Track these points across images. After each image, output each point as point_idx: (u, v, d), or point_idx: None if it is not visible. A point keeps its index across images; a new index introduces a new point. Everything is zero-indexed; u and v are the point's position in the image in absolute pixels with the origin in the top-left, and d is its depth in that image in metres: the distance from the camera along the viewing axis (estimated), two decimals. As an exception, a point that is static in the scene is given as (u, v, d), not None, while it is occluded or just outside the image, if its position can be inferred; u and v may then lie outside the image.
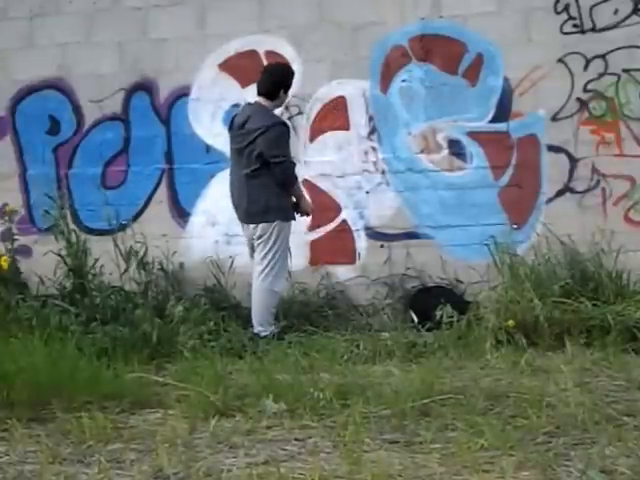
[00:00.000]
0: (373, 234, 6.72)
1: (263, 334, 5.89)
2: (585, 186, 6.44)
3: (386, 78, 6.66)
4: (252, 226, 5.92)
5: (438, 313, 5.87)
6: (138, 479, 3.44)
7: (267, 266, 5.89)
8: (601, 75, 6.38)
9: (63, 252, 6.61)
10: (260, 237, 5.88)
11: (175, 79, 6.99)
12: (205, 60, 6.94)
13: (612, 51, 6.33)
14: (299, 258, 6.49)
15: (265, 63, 6.65)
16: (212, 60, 6.94)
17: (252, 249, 6.04)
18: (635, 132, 6.36)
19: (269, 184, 5.82)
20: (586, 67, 6.39)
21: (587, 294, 5.80)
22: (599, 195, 6.42)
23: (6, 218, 7.02)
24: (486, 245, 6.16)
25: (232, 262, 6.79)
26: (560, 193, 6.47)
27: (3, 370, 4.48)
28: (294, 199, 5.96)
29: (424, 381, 4.42)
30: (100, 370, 4.77)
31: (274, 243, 5.87)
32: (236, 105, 6.90)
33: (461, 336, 5.58)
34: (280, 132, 5.84)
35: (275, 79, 5.95)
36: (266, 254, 5.88)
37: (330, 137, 6.78)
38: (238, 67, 6.90)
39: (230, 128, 6.10)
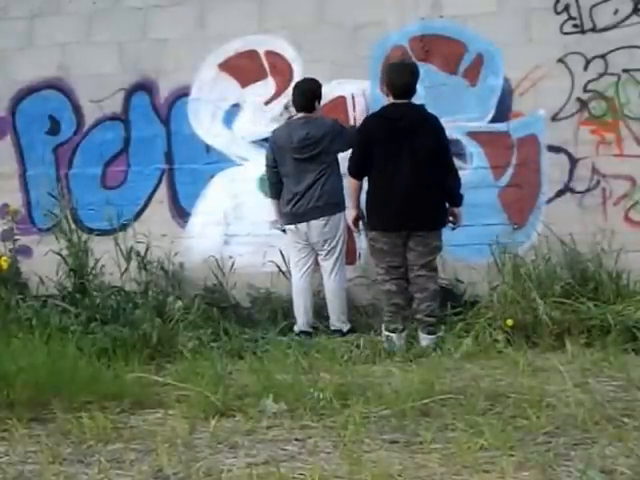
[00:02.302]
0: (373, 234, 6.71)
1: (345, 329, 6.23)
2: (585, 186, 6.44)
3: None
4: (322, 221, 6.20)
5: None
6: (138, 479, 3.44)
7: (340, 260, 6.32)
8: (601, 75, 6.38)
9: (64, 252, 6.63)
10: (333, 230, 6.23)
11: (175, 79, 6.99)
12: (205, 60, 6.94)
13: (612, 51, 6.33)
14: (299, 258, 6.46)
15: (265, 63, 6.68)
16: (212, 60, 6.93)
17: (304, 251, 6.31)
18: (635, 132, 6.36)
19: (337, 179, 6.28)
20: (586, 67, 6.39)
21: (587, 294, 5.81)
22: (599, 195, 6.42)
23: (8, 218, 7.04)
24: (487, 245, 6.17)
25: (232, 262, 6.79)
26: (560, 193, 6.47)
27: (3, 370, 4.48)
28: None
29: (424, 381, 4.42)
30: (100, 370, 4.77)
31: (341, 235, 6.29)
32: (236, 105, 6.92)
33: (461, 336, 5.59)
34: (341, 126, 6.34)
35: (309, 95, 6.32)
36: (339, 247, 6.28)
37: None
38: (238, 67, 6.91)
39: (273, 144, 6.35)
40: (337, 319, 6.26)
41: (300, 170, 6.24)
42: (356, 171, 5.87)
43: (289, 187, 6.31)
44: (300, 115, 6.31)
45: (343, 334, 6.15)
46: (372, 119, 5.91)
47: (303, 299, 6.32)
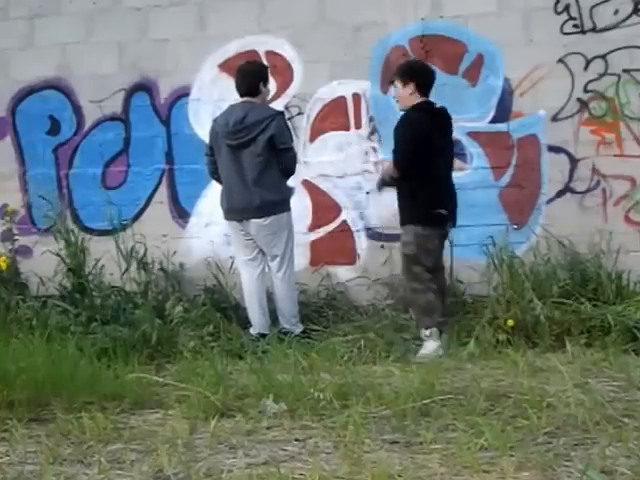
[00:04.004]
0: (373, 234, 6.72)
1: (298, 331, 5.95)
2: (585, 186, 6.44)
3: (386, 78, 6.65)
4: (262, 221, 5.89)
5: None
6: (138, 479, 3.44)
7: (287, 259, 6.01)
8: (601, 75, 6.37)
9: (63, 252, 6.63)
10: (275, 230, 5.93)
11: (175, 79, 6.99)
12: (205, 60, 6.94)
13: (612, 51, 6.33)
14: (299, 258, 6.46)
15: (266, 63, 6.66)
16: (212, 60, 6.94)
17: (251, 248, 6.04)
18: (635, 132, 6.36)
19: (279, 175, 5.97)
20: (586, 67, 6.39)
21: (587, 294, 5.81)
22: (599, 195, 6.42)
23: (7, 218, 7.04)
24: (487, 245, 6.15)
25: (232, 262, 6.78)
26: (560, 193, 6.47)
27: (3, 370, 4.49)
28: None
29: (424, 381, 4.41)
30: (100, 370, 4.77)
31: (289, 234, 6.01)
32: (236, 105, 6.92)
33: (462, 337, 5.59)
34: (285, 121, 6.05)
35: (254, 76, 6.03)
36: (285, 247, 5.99)
37: (330, 137, 6.78)
38: (238, 67, 6.90)
39: (212, 130, 6.07)
40: (287, 322, 6.01)
41: (234, 160, 5.89)
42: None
43: (224, 179, 6.00)
44: (243, 99, 5.99)
45: (296, 336, 5.83)
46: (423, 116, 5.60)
47: (259, 300, 6.03)
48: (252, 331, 6.06)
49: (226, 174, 6.00)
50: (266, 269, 6.11)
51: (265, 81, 6.07)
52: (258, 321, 6.05)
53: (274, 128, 5.85)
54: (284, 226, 5.99)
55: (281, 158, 5.94)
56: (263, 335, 5.94)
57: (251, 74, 6.04)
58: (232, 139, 5.90)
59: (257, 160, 5.87)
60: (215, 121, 6.09)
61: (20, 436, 3.97)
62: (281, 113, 6.08)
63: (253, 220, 5.93)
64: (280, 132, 5.89)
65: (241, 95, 6.02)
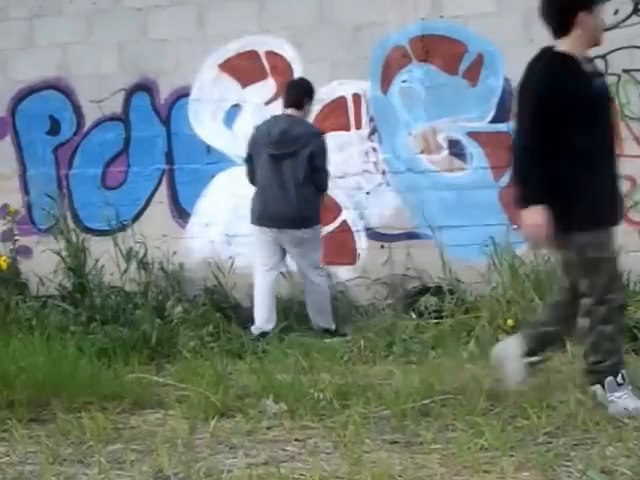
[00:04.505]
0: (373, 234, 6.72)
1: (334, 328, 6.12)
2: (585, 186, 6.42)
3: (386, 78, 6.66)
4: (295, 231, 6.03)
5: None
6: (138, 479, 3.44)
7: (320, 267, 6.20)
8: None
9: (63, 252, 6.64)
10: (308, 239, 6.08)
11: (175, 79, 7.00)
12: (205, 60, 6.94)
13: (612, 51, 6.31)
14: (299, 258, 6.46)
15: (266, 63, 6.67)
16: (212, 60, 6.94)
17: (272, 254, 6.13)
18: (635, 132, 6.36)
19: (315, 190, 6.10)
20: (586, 67, 6.38)
21: (587, 294, 5.79)
22: (599, 195, 6.40)
23: (8, 219, 7.05)
24: (488, 245, 6.15)
25: (232, 263, 6.79)
26: (560, 193, 6.46)
27: (3, 370, 4.49)
28: None
29: (424, 381, 4.41)
30: (100, 370, 4.78)
31: (320, 244, 6.22)
32: (236, 105, 6.92)
33: (462, 337, 5.58)
34: (324, 141, 6.16)
35: (300, 90, 6.21)
36: (315, 255, 6.17)
37: (330, 137, 6.76)
38: (238, 67, 6.91)
39: (252, 137, 6.18)
40: (326, 322, 6.12)
41: (275, 169, 6.02)
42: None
43: (261, 186, 6.11)
44: (288, 111, 6.16)
45: (332, 333, 6.03)
46: None
47: (269, 299, 6.12)
48: (253, 330, 6.07)
49: (264, 181, 6.11)
50: (279, 275, 6.29)
51: (310, 98, 6.22)
52: (262, 315, 6.08)
53: (314, 146, 6.03)
54: (318, 236, 6.20)
55: (315, 176, 6.07)
56: (264, 335, 5.95)
57: (299, 88, 6.24)
58: (275, 148, 6.02)
59: (297, 173, 6.00)
60: (257, 129, 6.20)
61: (20, 436, 3.97)
62: (322, 133, 6.22)
63: (288, 230, 6.06)
64: (319, 151, 6.06)
65: (286, 106, 6.19)
